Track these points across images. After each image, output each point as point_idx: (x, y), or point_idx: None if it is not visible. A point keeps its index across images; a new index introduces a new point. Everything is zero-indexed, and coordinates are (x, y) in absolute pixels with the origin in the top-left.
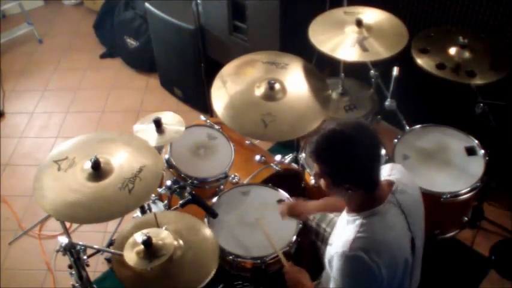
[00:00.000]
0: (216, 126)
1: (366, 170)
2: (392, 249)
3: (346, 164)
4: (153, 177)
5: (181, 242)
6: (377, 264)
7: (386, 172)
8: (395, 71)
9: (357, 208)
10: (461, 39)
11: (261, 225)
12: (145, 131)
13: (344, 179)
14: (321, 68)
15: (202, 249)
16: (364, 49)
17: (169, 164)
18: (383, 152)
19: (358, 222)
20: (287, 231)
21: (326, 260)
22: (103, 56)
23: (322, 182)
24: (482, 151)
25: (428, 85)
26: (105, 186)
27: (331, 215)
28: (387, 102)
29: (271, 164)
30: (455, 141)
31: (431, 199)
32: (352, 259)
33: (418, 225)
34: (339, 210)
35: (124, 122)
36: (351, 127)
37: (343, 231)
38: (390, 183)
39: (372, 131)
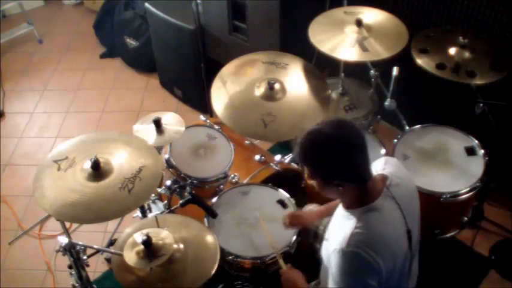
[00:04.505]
0: (216, 126)
1: (352, 163)
2: (390, 244)
3: (331, 161)
4: (153, 177)
5: (181, 244)
6: (375, 259)
7: (380, 166)
8: (395, 71)
9: (352, 204)
10: (461, 39)
11: (263, 225)
12: (145, 131)
13: (333, 176)
14: (321, 68)
15: (202, 250)
16: (364, 49)
17: (169, 164)
18: (382, 151)
19: (355, 218)
20: (287, 232)
21: (324, 257)
22: (103, 56)
23: (314, 183)
24: (482, 151)
25: (428, 85)
26: (105, 186)
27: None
28: (387, 102)
29: (271, 164)
30: (455, 141)
31: (431, 199)
32: (349, 255)
33: (414, 217)
34: None
35: (124, 122)
36: (329, 124)
37: (340, 227)
38: (384, 178)
39: (350, 123)
